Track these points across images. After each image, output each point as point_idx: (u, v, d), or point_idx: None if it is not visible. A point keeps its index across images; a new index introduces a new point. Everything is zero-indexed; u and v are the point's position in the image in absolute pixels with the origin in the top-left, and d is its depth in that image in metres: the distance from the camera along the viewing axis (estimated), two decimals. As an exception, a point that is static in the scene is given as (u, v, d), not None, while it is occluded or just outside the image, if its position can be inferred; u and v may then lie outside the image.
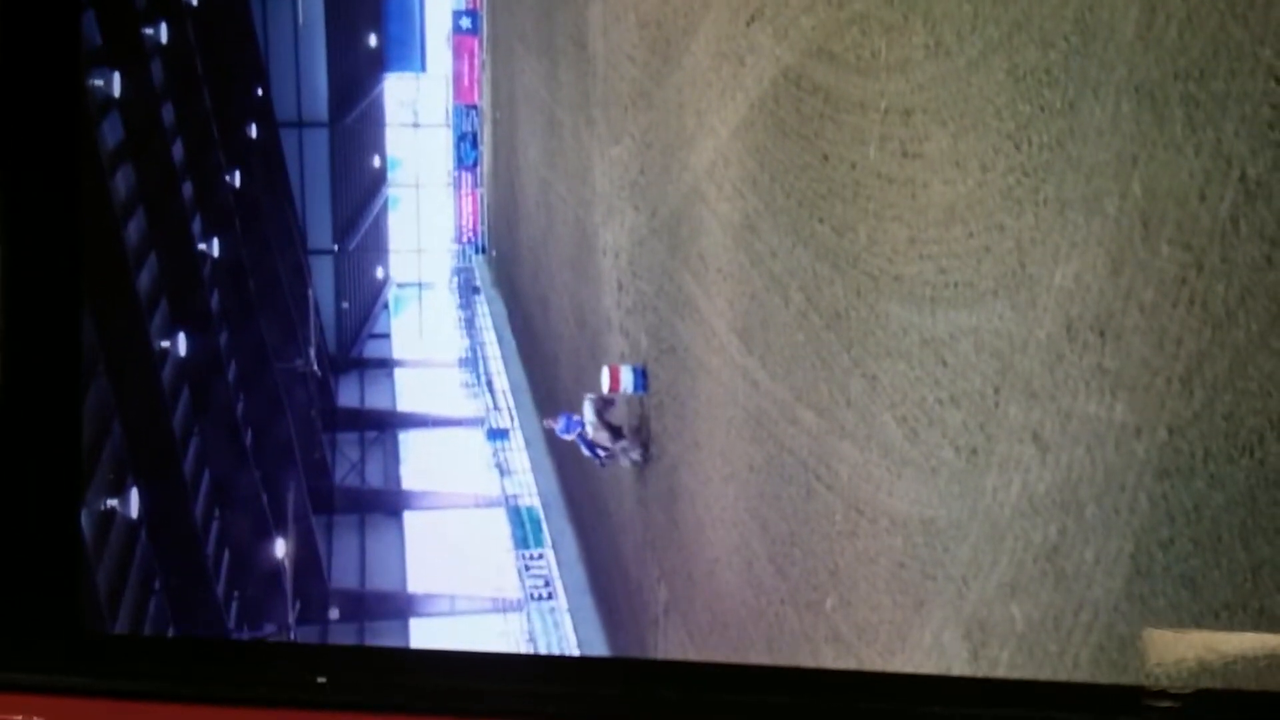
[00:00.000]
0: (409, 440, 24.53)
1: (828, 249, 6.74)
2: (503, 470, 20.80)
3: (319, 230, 24.89)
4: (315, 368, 21.59)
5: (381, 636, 20.31)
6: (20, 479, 2.71)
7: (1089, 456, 4.52)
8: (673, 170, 9.96)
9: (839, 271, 6.59)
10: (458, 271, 28.07)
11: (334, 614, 19.61)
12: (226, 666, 2.65)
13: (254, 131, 20.90)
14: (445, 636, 20.44)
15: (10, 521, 2.70)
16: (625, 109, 11.66)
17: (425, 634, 20.44)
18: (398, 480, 23.75)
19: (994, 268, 5.08)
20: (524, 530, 19.07)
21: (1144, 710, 2.27)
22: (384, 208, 28.31)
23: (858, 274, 6.36)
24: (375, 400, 25.58)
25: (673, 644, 11.02)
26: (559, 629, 16.93)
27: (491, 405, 22.38)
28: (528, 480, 19.62)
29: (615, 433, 12.26)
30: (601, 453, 12.49)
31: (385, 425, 24.48)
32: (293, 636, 17.80)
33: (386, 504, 22.92)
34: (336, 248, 25.45)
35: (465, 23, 28.26)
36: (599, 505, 14.46)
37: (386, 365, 26.81)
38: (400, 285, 28.28)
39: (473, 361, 24.67)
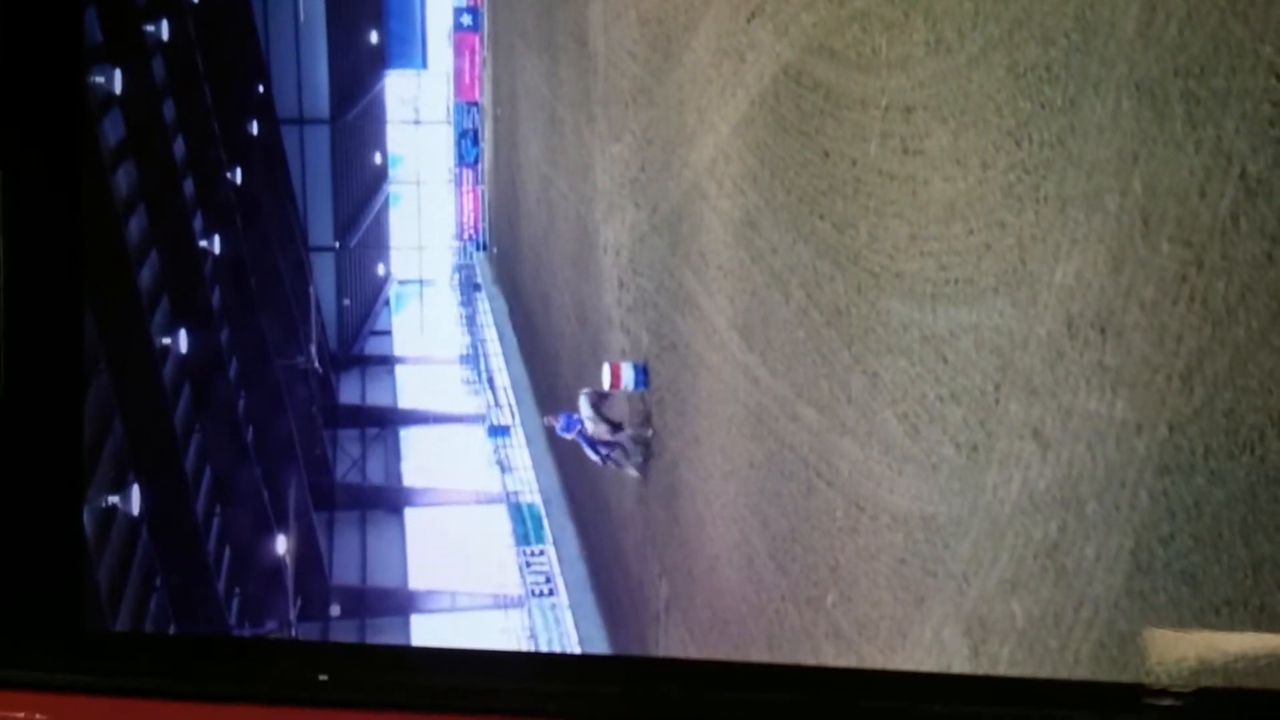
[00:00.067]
0: (410, 437, 24.53)
1: (828, 246, 6.74)
2: (504, 467, 20.80)
3: (320, 227, 24.88)
4: (316, 365, 21.59)
5: (382, 633, 20.32)
6: (21, 476, 2.71)
7: (1090, 453, 4.52)
8: (673, 167, 9.96)
9: (840, 268, 6.60)
10: (459, 268, 28.07)
11: (335, 611, 19.61)
12: (227, 664, 2.65)
13: (255, 128, 20.89)
14: (446, 633, 20.44)
15: (11, 519, 2.70)
16: (626, 106, 11.66)
17: (426, 631, 20.44)
18: (399, 477, 23.75)
19: (995, 265, 5.08)
20: (525, 527, 19.08)
21: (1144, 708, 2.27)
22: (385, 205, 28.30)
23: (858, 271, 6.36)
24: (376, 397, 25.58)
25: (673, 640, 11.03)
26: (560, 626, 16.94)
27: (492, 402, 22.39)
28: (529, 477, 19.62)
29: (614, 427, 12.23)
30: (603, 449, 12.46)
31: (386, 422, 24.48)
32: (294, 634, 17.82)
33: (387, 501, 22.93)
34: (338, 244, 25.44)
35: (466, 19, 28.24)
36: (600, 502, 14.46)
37: (388, 362, 26.82)
38: (401, 282, 28.28)
39: (474, 358, 24.67)
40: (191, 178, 16.96)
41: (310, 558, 19.03)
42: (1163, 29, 4.01)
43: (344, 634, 19.90)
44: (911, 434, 5.87)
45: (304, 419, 20.51)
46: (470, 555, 21.15)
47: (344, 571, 21.05)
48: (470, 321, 25.91)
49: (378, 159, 28.27)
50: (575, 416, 12.77)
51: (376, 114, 28.24)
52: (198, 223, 16.95)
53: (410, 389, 26.04)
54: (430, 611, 20.88)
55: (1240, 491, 3.82)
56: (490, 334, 24.21)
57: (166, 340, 14.92)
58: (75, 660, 2.61)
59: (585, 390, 12.60)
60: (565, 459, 16.84)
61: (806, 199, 7.01)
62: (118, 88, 13.63)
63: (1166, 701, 2.27)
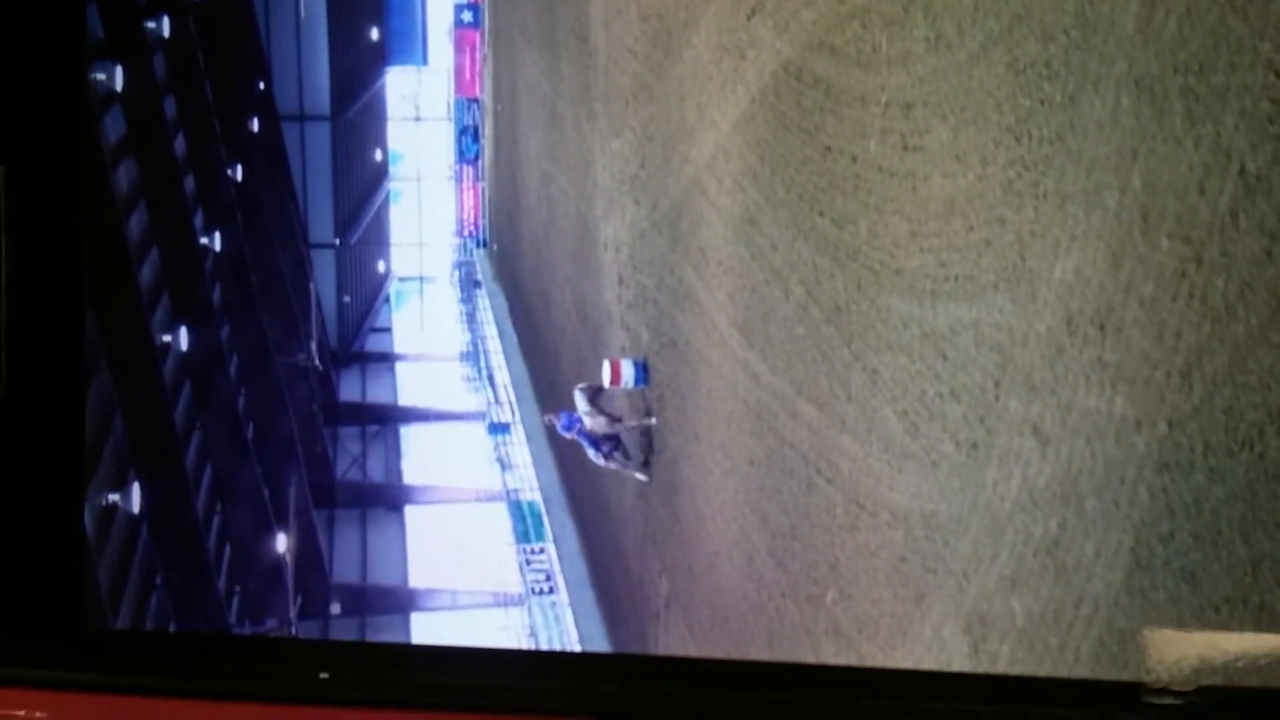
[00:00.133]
0: (410, 435, 24.53)
1: (828, 242, 6.74)
2: (504, 465, 20.80)
3: (320, 224, 24.88)
4: (317, 362, 21.59)
5: (383, 631, 20.32)
6: (22, 474, 2.71)
7: (1089, 450, 4.52)
8: (673, 164, 9.96)
9: (839, 265, 6.60)
10: (459, 265, 28.06)
11: (335, 609, 19.61)
12: (228, 662, 2.65)
13: (256, 125, 20.89)
14: (447, 631, 20.45)
15: (12, 517, 2.70)
16: (626, 102, 11.65)
17: (427, 629, 20.45)
18: (399, 475, 23.75)
19: (994, 261, 5.08)
20: (525, 525, 19.08)
21: (1144, 706, 2.27)
22: (385, 202, 28.30)
23: (858, 267, 6.36)
24: (377, 394, 25.58)
25: (673, 638, 11.03)
26: (560, 623, 16.94)
27: (493, 399, 22.39)
28: (529, 475, 19.62)
29: (613, 418, 12.19)
30: (605, 446, 12.42)
31: (387, 419, 24.48)
32: (294, 632, 17.82)
33: (388, 498, 22.93)
34: (338, 242, 25.44)
35: (467, 16, 28.24)
36: (600, 500, 14.46)
37: (388, 359, 26.81)
38: (402, 279, 28.28)
39: (474, 356, 24.67)
40: (192, 175, 16.97)
41: (310, 556, 19.04)
42: (1162, 25, 4.01)
43: (344, 632, 19.91)
44: (911, 431, 5.87)
45: (304, 416, 20.51)
46: (470, 553, 21.15)
47: (344, 569, 21.05)
48: (470, 318, 25.91)
49: (378, 156, 28.26)
50: (576, 416, 12.74)
51: (377, 111, 28.24)
52: (198, 220, 16.95)
53: (410, 386, 26.04)
54: (430, 609, 20.88)
55: (1240, 488, 3.82)
56: (490, 331, 24.21)
57: (167, 337, 14.92)
58: (76, 658, 2.61)
59: (580, 385, 12.57)
60: (565, 456, 16.84)
61: (806, 196, 7.01)
62: (119, 85, 13.62)
63: (1167, 700, 2.27)
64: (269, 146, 21.62)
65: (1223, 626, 3.95)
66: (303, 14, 23.94)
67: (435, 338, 27.15)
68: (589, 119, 13.68)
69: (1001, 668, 5.18)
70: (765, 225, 7.77)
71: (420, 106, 29.23)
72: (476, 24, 27.95)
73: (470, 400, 23.94)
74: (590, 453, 12.62)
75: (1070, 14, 4.47)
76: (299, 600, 17.91)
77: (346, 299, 25.91)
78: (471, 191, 28.32)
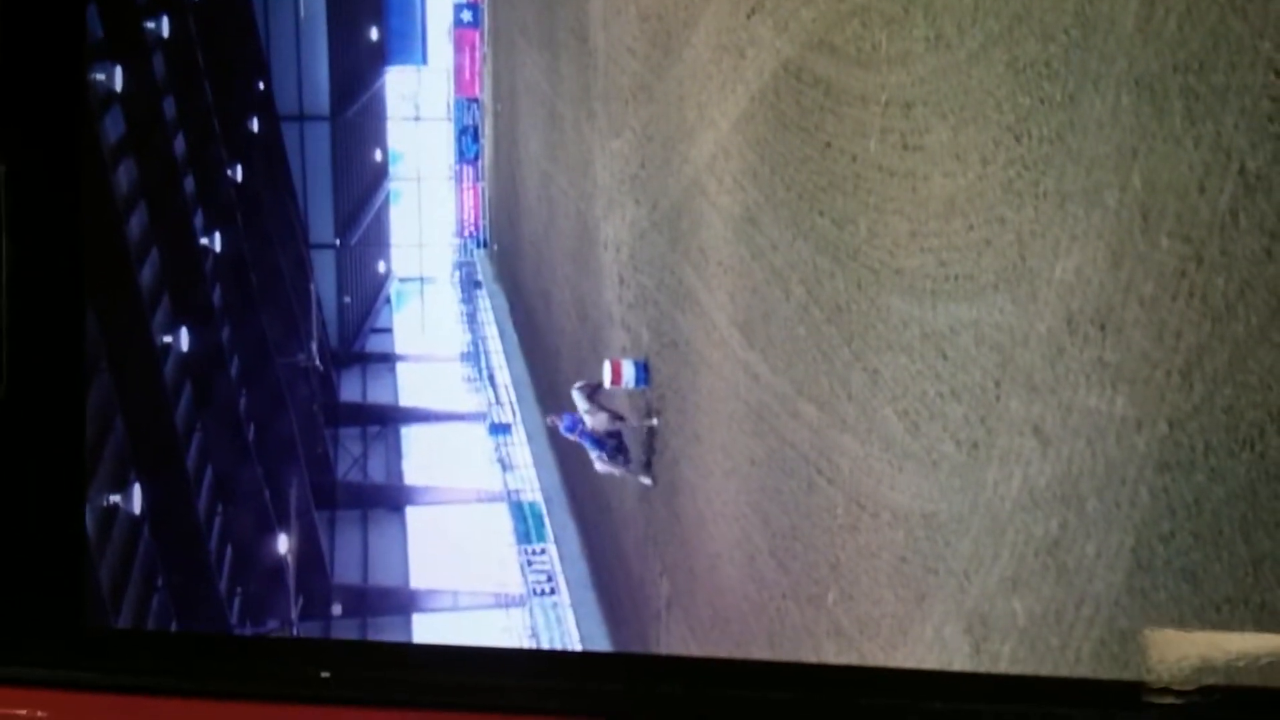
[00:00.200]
0: (411, 435, 24.53)
1: (828, 242, 6.74)
2: (505, 465, 20.79)
3: (321, 225, 24.88)
4: (317, 363, 21.59)
5: (384, 632, 20.32)
6: (23, 474, 2.71)
7: (1090, 450, 4.52)
8: (673, 163, 9.96)
9: (840, 265, 6.59)
10: (459, 266, 28.05)
11: (337, 609, 19.61)
12: (229, 662, 2.65)
13: (256, 125, 20.89)
14: (448, 632, 20.44)
15: (13, 517, 2.70)
16: (626, 102, 11.65)
17: (428, 630, 20.44)
18: (400, 475, 23.75)
19: (994, 261, 5.08)
20: (526, 525, 19.07)
21: (1145, 706, 2.27)
22: (385, 202, 28.30)
23: (858, 267, 6.36)
24: (377, 395, 25.57)
25: (675, 638, 11.03)
26: (561, 624, 16.93)
27: (493, 400, 22.38)
28: (530, 475, 19.61)
29: (614, 415, 12.16)
30: (609, 445, 12.39)
31: (387, 420, 24.47)
32: (295, 632, 17.81)
33: (389, 499, 22.93)
34: (338, 242, 25.44)
35: (466, 16, 28.23)
36: (601, 500, 14.46)
37: (388, 360, 26.81)
38: (402, 280, 28.28)
39: (474, 356, 24.66)
40: (192, 175, 16.97)
41: (311, 556, 19.03)
42: (1162, 24, 4.01)
43: (345, 633, 19.91)
44: (912, 431, 5.87)
45: (305, 417, 20.51)
46: (471, 554, 21.15)
47: (345, 570, 21.05)
48: (471, 319, 25.90)
49: (378, 156, 28.26)
50: (578, 417, 12.72)
51: (377, 110, 28.23)
52: (198, 220, 16.95)
53: (411, 387, 26.03)
54: (432, 610, 20.88)
55: (1240, 488, 3.82)
56: (491, 331, 24.21)
57: (168, 338, 14.92)
58: (77, 658, 2.61)
59: (578, 384, 12.56)
60: (566, 457, 16.84)
61: (806, 195, 7.01)
62: (118, 85, 13.62)
63: (1168, 699, 2.27)
64: (269, 146, 21.63)
65: (1224, 626, 3.95)
66: (302, 14, 23.95)
67: (436, 338, 27.14)
68: (589, 119, 13.67)
69: (1003, 668, 5.18)
70: (765, 225, 7.77)
71: (420, 106, 29.24)
72: (476, 24, 27.95)
73: (471, 401, 23.94)
74: (594, 455, 12.58)
75: (1070, 13, 4.47)
76: (300, 601, 17.91)
77: (347, 299, 25.91)
78: (471, 191, 28.32)
